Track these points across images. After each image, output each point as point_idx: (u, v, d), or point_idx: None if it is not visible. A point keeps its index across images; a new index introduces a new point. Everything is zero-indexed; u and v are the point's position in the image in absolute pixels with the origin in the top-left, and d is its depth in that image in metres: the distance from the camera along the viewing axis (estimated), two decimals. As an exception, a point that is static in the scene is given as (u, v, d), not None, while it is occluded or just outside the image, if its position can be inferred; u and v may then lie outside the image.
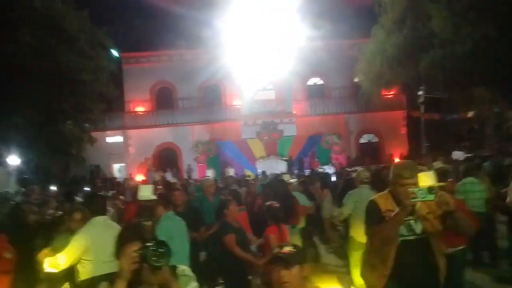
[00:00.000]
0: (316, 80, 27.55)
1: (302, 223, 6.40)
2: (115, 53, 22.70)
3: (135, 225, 2.58)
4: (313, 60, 23.20)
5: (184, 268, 2.44)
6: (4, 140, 15.56)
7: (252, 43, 21.51)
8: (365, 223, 3.25)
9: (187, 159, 24.04)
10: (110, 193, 13.05)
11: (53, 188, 17.39)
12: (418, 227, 3.05)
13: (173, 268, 2.32)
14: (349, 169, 14.89)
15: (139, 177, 23.01)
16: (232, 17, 20.91)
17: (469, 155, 16.41)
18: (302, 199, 6.75)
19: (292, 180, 7.23)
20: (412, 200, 2.82)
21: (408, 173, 3.02)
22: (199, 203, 6.77)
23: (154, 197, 4.37)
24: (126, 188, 16.07)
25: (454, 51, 15.38)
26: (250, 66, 21.97)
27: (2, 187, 15.26)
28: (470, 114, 21.78)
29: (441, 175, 5.53)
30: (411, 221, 3.05)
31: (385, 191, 3.21)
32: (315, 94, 26.80)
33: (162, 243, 2.08)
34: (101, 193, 9.32)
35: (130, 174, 23.47)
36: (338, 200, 7.05)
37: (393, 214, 2.98)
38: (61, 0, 14.59)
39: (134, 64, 26.25)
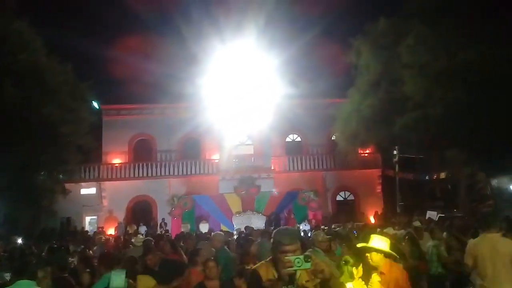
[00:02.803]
0: (295, 137, 28.04)
1: None
2: (95, 105, 22.75)
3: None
4: (292, 117, 23.77)
5: None
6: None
7: (232, 99, 21.95)
8: None
9: (162, 213, 23.49)
10: (80, 247, 12.62)
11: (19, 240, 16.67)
12: None
13: None
14: (324, 227, 14.87)
15: (111, 231, 22.35)
16: (213, 73, 21.46)
17: (443, 215, 16.65)
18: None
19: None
20: (288, 269, 2.78)
21: (287, 239, 2.93)
22: None
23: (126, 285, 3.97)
24: (96, 242, 15.55)
25: (426, 114, 15.96)
26: (230, 121, 22.28)
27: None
28: (443, 174, 22.35)
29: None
30: None
31: (268, 259, 3.14)
32: (294, 150, 27.11)
33: None
34: (32, 256, 8.63)
35: (102, 227, 22.75)
36: None
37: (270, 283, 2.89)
38: (45, 53, 14.77)
39: (115, 116, 26.22)
